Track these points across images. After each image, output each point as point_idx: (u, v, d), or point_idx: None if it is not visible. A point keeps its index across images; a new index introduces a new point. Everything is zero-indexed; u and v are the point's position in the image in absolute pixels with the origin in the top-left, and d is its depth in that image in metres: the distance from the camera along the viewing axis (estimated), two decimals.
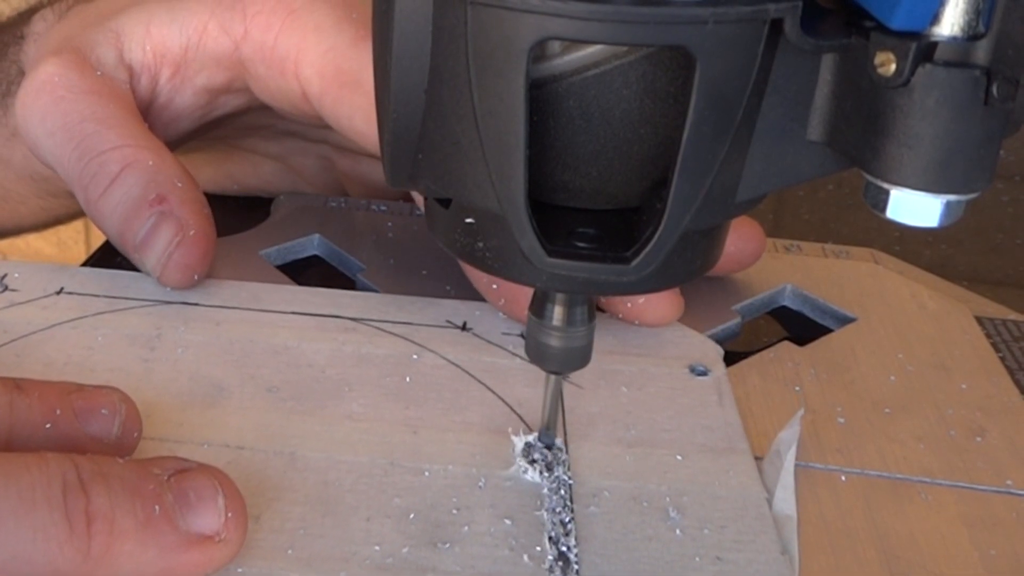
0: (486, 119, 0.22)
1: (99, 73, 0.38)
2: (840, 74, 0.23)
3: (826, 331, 0.39)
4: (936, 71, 0.22)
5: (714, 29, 0.20)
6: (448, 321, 0.36)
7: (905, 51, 0.22)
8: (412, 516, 0.28)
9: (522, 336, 0.35)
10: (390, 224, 0.44)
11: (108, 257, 0.40)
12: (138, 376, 0.32)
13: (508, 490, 0.29)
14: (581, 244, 0.24)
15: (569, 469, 0.30)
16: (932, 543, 0.29)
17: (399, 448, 0.30)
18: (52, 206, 0.47)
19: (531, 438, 0.30)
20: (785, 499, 0.29)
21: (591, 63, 0.23)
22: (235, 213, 0.45)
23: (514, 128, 0.22)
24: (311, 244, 0.43)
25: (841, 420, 0.34)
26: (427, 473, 0.29)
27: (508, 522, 0.28)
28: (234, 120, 0.44)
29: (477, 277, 0.36)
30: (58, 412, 0.26)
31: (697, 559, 0.27)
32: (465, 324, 0.36)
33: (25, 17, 0.43)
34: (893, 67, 0.22)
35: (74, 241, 1.09)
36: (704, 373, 0.34)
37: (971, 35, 0.22)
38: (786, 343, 0.38)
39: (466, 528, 0.27)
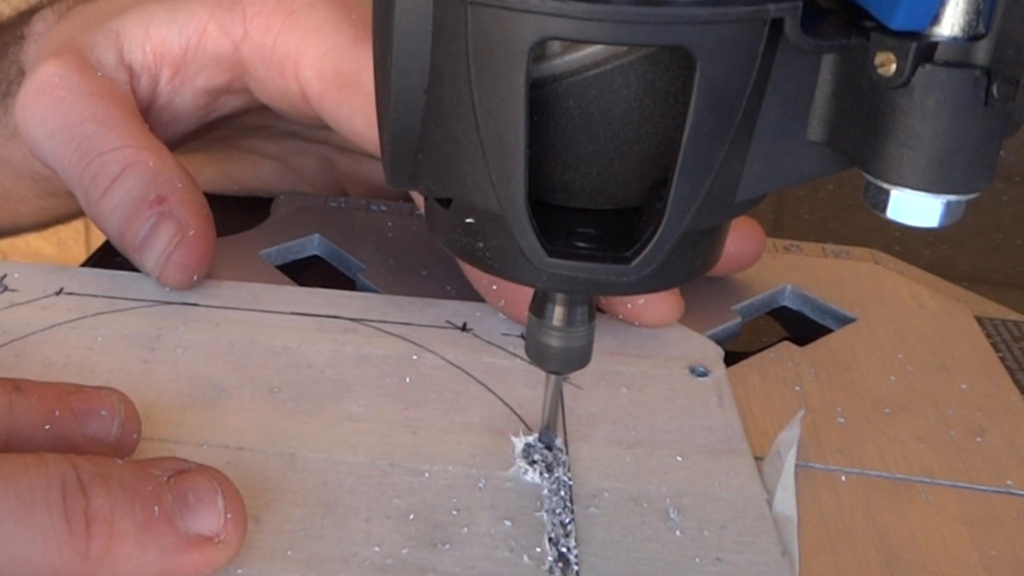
0: (486, 119, 0.22)
1: (99, 74, 0.38)
2: (840, 74, 0.23)
3: (826, 331, 0.39)
4: (936, 71, 0.22)
5: (714, 29, 0.20)
6: (448, 322, 0.36)
7: (905, 51, 0.22)
8: (412, 517, 0.28)
9: (522, 337, 0.35)
10: (390, 224, 0.44)
11: (108, 257, 0.40)
12: (138, 377, 0.32)
13: (508, 491, 0.29)
14: (581, 244, 0.24)
15: (569, 470, 0.30)
16: (932, 543, 0.29)
17: (399, 449, 0.30)
18: (52, 206, 0.47)
19: (531, 439, 0.30)
20: (785, 500, 0.29)
21: (591, 63, 0.23)
22: (235, 213, 0.45)
23: (514, 128, 0.22)
24: (311, 244, 0.43)
25: (841, 420, 0.34)
26: (427, 474, 0.29)
27: (508, 523, 0.28)
28: (234, 121, 0.44)
29: (477, 278, 0.36)
30: (57, 413, 0.26)
31: (697, 560, 0.27)
32: (465, 325, 0.36)
33: (25, 17, 0.43)
34: (893, 67, 0.22)
35: (74, 241, 1.09)
36: (704, 374, 0.34)
37: (971, 35, 0.22)
38: (786, 343, 0.38)
39: (466, 529, 0.27)
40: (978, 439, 0.33)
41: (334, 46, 0.38)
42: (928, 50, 0.22)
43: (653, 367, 0.35)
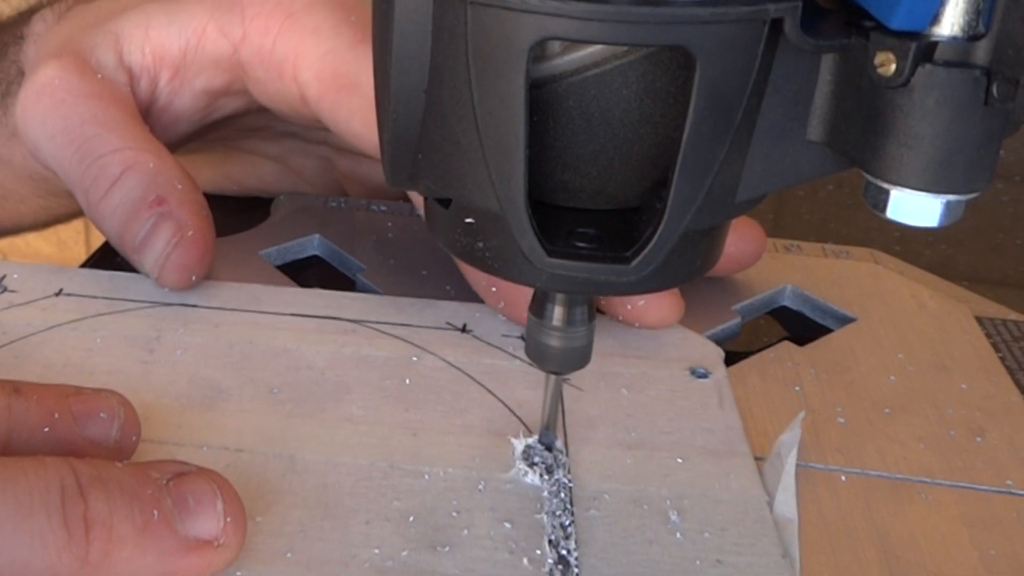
0: (486, 119, 0.22)
1: (99, 76, 0.38)
2: (840, 74, 0.23)
3: (826, 331, 0.39)
4: (936, 71, 0.22)
5: (714, 29, 0.20)
6: (448, 323, 0.36)
7: (905, 51, 0.22)
8: (412, 519, 0.28)
9: (522, 338, 0.35)
10: (390, 224, 0.44)
11: (108, 257, 0.40)
12: (137, 378, 0.32)
13: (508, 493, 0.29)
14: (581, 244, 0.24)
15: (569, 472, 0.30)
16: (932, 543, 0.29)
17: (399, 451, 0.30)
18: (52, 205, 0.47)
19: (531, 441, 0.30)
20: (786, 502, 0.29)
21: (591, 63, 0.22)
22: (235, 213, 0.45)
23: (514, 128, 0.22)
24: (311, 244, 0.43)
25: (841, 420, 0.34)
26: (427, 476, 0.29)
27: (508, 525, 0.28)
28: (234, 122, 0.44)
29: (476, 279, 0.36)
30: (56, 416, 0.26)
31: (698, 562, 0.27)
32: (465, 326, 0.36)
33: (25, 17, 0.43)
34: (893, 67, 0.22)
35: (74, 241, 1.09)
36: (705, 375, 0.34)
37: (971, 35, 0.22)
38: (786, 343, 0.38)
39: (466, 531, 0.27)
40: (978, 439, 0.33)
41: (333, 48, 0.38)
42: (928, 50, 0.22)
43: (653, 368, 0.35)
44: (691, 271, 0.25)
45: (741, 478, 0.30)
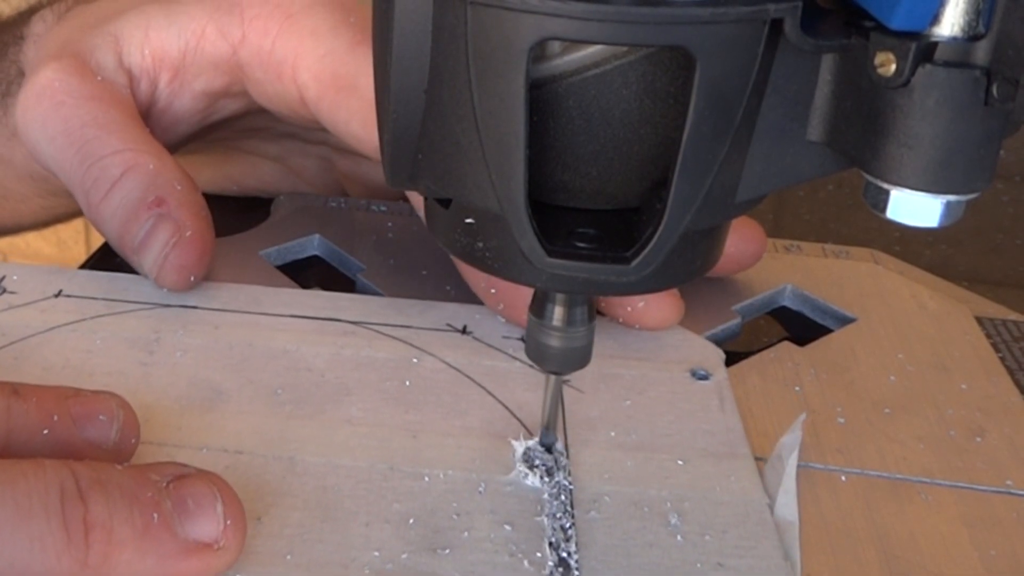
0: (486, 119, 0.22)
1: (99, 78, 0.38)
2: (840, 74, 0.23)
3: (826, 331, 0.39)
4: (936, 71, 0.22)
5: (714, 29, 0.20)
6: (448, 324, 0.36)
7: (905, 51, 0.22)
8: (411, 521, 0.28)
9: (522, 340, 0.35)
10: (390, 224, 0.44)
11: (107, 258, 0.40)
12: (136, 380, 0.32)
13: (508, 495, 0.29)
14: (581, 244, 0.24)
15: (570, 474, 0.30)
16: (932, 543, 0.29)
17: (399, 453, 0.30)
18: (53, 205, 0.47)
19: (531, 443, 0.30)
20: (787, 504, 0.29)
21: (591, 63, 0.22)
22: (235, 213, 0.45)
23: (514, 128, 0.22)
24: (311, 244, 0.43)
25: (841, 420, 0.34)
26: (427, 478, 0.29)
27: (508, 527, 0.28)
28: (233, 122, 0.44)
29: (475, 280, 0.36)
30: (55, 418, 0.26)
31: (698, 565, 0.27)
32: (465, 328, 0.36)
33: (25, 17, 0.43)
34: (893, 67, 0.22)
35: (74, 241, 1.09)
36: (705, 377, 0.34)
37: (971, 35, 0.22)
38: (786, 343, 0.38)
39: (466, 534, 0.27)
40: (978, 439, 0.33)
41: (332, 49, 0.38)
42: (928, 50, 0.22)
43: (654, 370, 0.35)
44: (691, 271, 0.25)
45: (742, 480, 0.30)
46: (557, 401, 0.29)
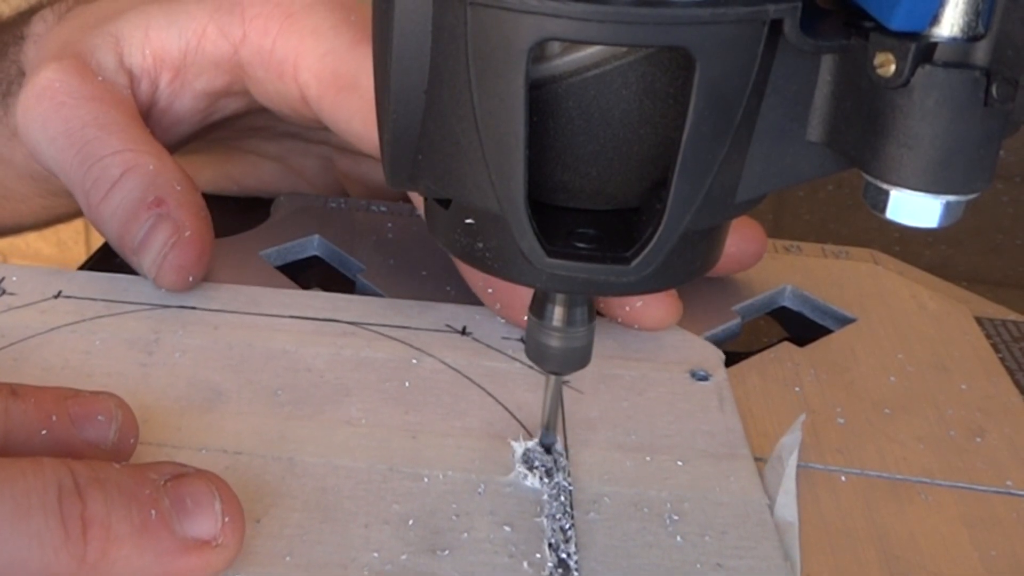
0: (486, 119, 0.22)
1: (100, 78, 0.38)
2: (840, 74, 0.23)
3: (826, 332, 0.39)
4: (936, 72, 0.22)
5: (714, 30, 0.20)
6: (448, 325, 0.36)
7: (905, 52, 0.22)
8: (411, 522, 0.28)
9: (522, 340, 0.35)
10: (390, 225, 0.44)
11: (107, 259, 0.40)
12: (136, 380, 0.32)
13: (508, 496, 0.29)
14: (581, 244, 0.24)
15: (569, 475, 0.30)
16: (932, 543, 0.29)
17: (398, 453, 0.30)
18: (53, 205, 0.47)
19: (531, 444, 0.30)
20: (787, 505, 0.29)
21: (591, 64, 0.22)
22: (235, 214, 0.45)
23: (514, 129, 0.22)
24: (311, 245, 0.43)
25: (841, 420, 0.34)
26: (426, 479, 0.29)
27: (508, 528, 0.28)
28: (234, 122, 0.44)
29: (473, 280, 0.36)
30: (54, 418, 0.26)
31: (698, 566, 0.27)
32: (465, 328, 0.36)
33: (25, 17, 0.43)
34: (893, 68, 0.22)
35: (74, 241, 1.09)
36: (705, 378, 0.34)
37: (971, 36, 0.22)
38: (786, 343, 0.38)
39: (465, 535, 0.27)
40: (978, 439, 0.33)
41: (332, 48, 0.38)
42: (927, 50, 0.22)
43: (653, 371, 0.35)
44: (691, 271, 0.25)
45: (741, 481, 0.30)
46: (557, 402, 0.29)
